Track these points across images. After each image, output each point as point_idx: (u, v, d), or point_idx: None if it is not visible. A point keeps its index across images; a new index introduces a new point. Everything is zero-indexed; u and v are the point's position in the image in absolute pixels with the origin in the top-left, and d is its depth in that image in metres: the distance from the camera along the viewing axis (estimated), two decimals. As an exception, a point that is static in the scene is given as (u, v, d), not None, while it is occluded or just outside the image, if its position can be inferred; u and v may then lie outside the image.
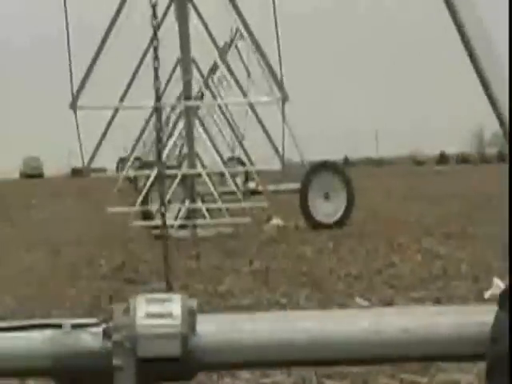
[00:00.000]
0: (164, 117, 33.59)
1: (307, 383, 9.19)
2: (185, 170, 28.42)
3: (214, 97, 31.95)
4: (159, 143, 7.46)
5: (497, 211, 32.21)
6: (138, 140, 35.55)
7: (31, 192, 78.89)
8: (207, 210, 28.54)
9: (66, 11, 22.94)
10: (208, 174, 29.55)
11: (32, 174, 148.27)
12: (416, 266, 18.25)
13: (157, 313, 4.15)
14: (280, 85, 24.01)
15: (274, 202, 31.00)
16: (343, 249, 21.09)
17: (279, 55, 25.96)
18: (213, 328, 4.32)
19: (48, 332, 4.32)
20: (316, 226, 28.13)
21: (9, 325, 4.39)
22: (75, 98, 12.33)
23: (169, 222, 26.49)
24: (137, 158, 33.50)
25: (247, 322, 4.64)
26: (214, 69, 31.32)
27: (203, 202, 28.83)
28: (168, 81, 31.25)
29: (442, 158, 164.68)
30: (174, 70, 31.64)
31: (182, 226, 28.08)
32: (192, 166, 28.05)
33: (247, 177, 32.89)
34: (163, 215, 6.22)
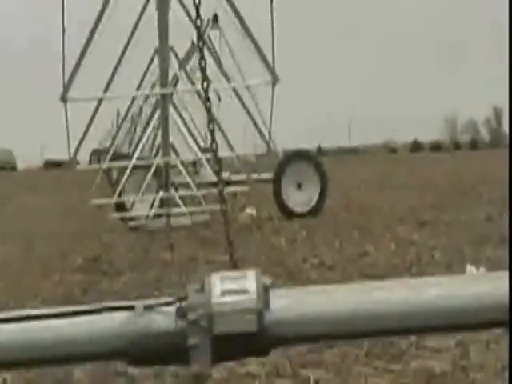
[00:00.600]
0: (137, 108, 34.01)
1: (281, 372, 9.02)
2: (158, 159, 28.37)
3: (192, 83, 31.04)
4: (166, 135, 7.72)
5: (470, 198, 32.31)
6: (115, 132, 35.55)
7: (4, 184, 78.27)
8: (182, 199, 28.60)
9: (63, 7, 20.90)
10: (182, 163, 29.89)
11: (4, 167, 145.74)
12: (390, 255, 18.36)
13: (232, 290, 4.15)
14: (270, 67, 22.97)
15: (247, 192, 31.26)
16: (317, 238, 21.07)
17: (272, 37, 25.07)
18: (286, 303, 4.23)
19: (121, 314, 4.28)
20: (289, 215, 27.99)
21: (81, 309, 4.25)
22: (65, 89, 11.97)
23: (143, 212, 28.18)
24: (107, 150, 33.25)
25: (320, 294, 4.44)
26: (189, 54, 30.81)
27: (176, 191, 28.66)
28: (146, 71, 30.82)
29: (416, 146, 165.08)
30: (151, 60, 30.99)
31: (156, 216, 27.93)
32: (166, 155, 27.53)
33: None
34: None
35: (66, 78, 21.90)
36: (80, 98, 13.36)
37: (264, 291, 4.13)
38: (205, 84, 6.63)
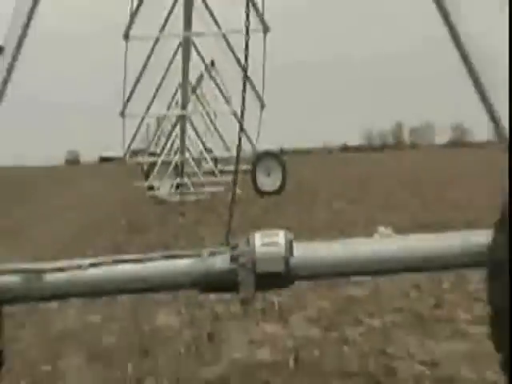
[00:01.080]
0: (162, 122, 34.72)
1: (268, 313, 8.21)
2: (177, 157, 29.47)
3: (202, 104, 32.05)
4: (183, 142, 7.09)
5: (377, 188, 32.61)
6: (148, 139, 36.47)
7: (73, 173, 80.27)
8: (191, 183, 29.47)
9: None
10: (193, 159, 30.69)
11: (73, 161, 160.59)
12: (329, 218, 18.30)
13: (268, 242, 4.58)
14: (261, 17, 18.12)
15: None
16: (280, 208, 21.30)
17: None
18: (303, 252, 4.59)
19: (191, 260, 4.64)
20: (261, 194, 29.71)
21: (164, 254, 4.71)
22: (124, 107, 10.94)
23: (165, 191, 28.48)
24: (142, 150, 34.36)
25: (325, 247, 4.85)
26: (199, 81, 31.02)
27: (188, 177, 29.72)
28: (174, 95, 29.95)
29: (345, 148, 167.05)
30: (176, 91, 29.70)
31: (174, 194, 28.77)
32: (182, 154, 29.10)
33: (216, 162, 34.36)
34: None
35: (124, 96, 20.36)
36: (136, 114, 12.08)
37: (289, 244, 4.52)
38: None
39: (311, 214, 19.99)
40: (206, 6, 19.35)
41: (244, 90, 5.50)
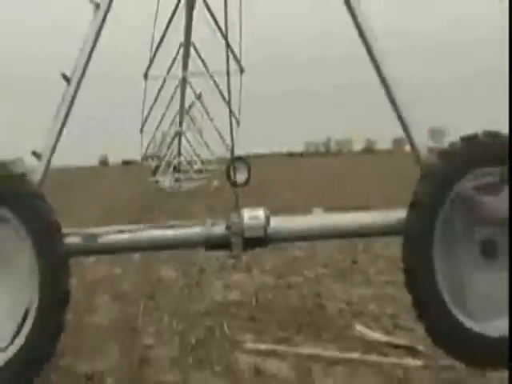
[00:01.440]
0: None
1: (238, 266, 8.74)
2: (176, 160, 31.56)
3: (194, 123, 32.56)
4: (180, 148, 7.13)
5: (314, 183, 32.72)
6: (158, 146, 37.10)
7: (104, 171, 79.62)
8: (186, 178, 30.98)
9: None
10: (187, 161, 32.56)
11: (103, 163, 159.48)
12: (282, 204, 18.01)
13: (252, 216, 4.60)
14: (238, 60, 17.03)
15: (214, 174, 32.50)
16: (248, 195, 21.66)
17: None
18: (278, 222, 4.69)
19: (199, 227, 4.70)
20: (233, 185, 28.07)
21: (181, 223, 4.77)
22: (142, 125, 8.89)
23: (167, 183, 29.43)
24: (152, 155, 35.50)
25: (295, 219, 5.02)
26: (191, 105, 31.31)
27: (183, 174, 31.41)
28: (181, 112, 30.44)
29: (291, 154, 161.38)
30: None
31: (173, 186, 29.89)
32: (180, 157, 31.29)
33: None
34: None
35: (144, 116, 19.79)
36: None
37: (267, 218, 4.62)
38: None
39: (269, 200, 19.90)
40: (200, 57, 19.89)
41: (230, 117, 6.18)
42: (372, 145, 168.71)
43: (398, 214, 4.43)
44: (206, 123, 29.92)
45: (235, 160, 31.13)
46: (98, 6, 4.58)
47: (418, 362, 5.06)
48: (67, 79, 4.43)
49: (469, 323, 4.16)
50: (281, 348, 5.54)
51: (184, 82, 21.65)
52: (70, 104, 4.47)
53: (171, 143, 31.02)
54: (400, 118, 4.66)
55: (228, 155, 28.86)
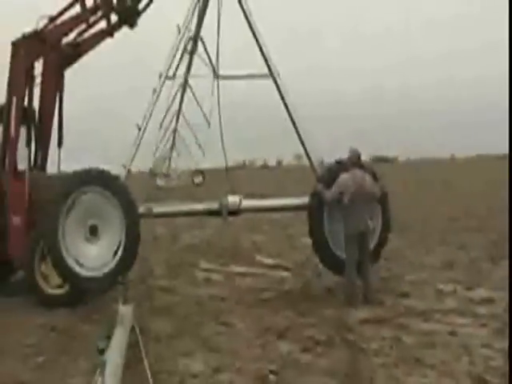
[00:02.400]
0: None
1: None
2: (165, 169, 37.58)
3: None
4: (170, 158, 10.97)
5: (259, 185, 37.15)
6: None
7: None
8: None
9: None
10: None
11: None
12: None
13: (232, 199, 8.24)
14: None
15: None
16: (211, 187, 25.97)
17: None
18: (245, 203, 8.18)
19: (206, 204, 8.21)
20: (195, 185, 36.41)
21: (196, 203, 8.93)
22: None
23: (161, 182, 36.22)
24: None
25: (256, 200, 8.83)
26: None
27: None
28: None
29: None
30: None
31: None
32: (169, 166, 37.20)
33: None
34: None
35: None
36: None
37: (240, 200, 8.26)
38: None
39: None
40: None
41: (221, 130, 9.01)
42: (300, 159, 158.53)
43: (306, 199, 8.56)
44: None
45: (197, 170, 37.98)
46: None
47: (288, 273, 9.98)
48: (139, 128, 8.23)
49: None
50: (218, 268, 10.64)
51: (184, 89, 22.66)
52: (144, 127, 8.13)
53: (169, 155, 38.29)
54: (300, 139, 8.43)
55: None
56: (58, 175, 9.06)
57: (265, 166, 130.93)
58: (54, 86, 8.96)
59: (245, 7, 8.47)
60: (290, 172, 67.00)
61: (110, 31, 8.77)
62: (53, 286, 8.04)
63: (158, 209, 8.68)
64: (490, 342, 5.96)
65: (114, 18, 8.74)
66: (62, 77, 9.06)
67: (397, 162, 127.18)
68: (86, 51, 8.91)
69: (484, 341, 6.02)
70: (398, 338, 6.18)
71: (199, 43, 9.02)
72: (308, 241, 14.12)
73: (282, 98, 8.76)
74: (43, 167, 9.08)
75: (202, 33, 10.37)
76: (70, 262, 7.54)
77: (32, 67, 8.62)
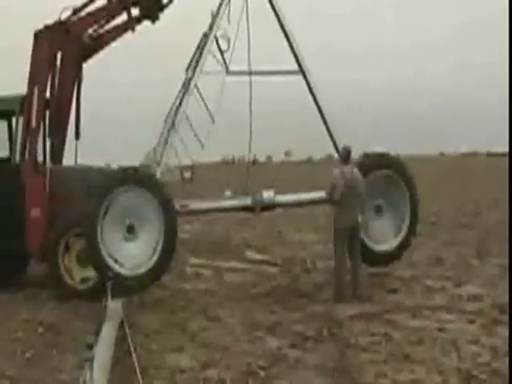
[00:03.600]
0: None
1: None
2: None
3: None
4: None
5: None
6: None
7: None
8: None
9: None
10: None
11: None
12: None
13: (267, 194, 8.33)
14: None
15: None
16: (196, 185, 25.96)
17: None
18: (278, 197, 8.38)
19: (240, 199, 8.36)
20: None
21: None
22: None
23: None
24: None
25: (283, 197, 8.66)
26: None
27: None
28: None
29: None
30: None
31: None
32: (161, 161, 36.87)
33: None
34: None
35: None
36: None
37: (274, 194, 8.31)
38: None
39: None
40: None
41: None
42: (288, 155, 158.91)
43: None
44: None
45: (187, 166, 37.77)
46: None
47: (277, 269, 10.03)
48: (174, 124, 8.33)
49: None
50: (208, 262, 10.66)
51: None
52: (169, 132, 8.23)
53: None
54: (331, 137, 8.60)
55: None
56: (76, 168, 9.02)
57: (255, 162, 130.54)
58: (72, 77, 8.84)
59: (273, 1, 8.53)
60: (282, 168, 67.87)
61: (131, 25, 8.69)
62: (75, 280, 8.04)
63: (192, 206, 8.69)
64: (478, 339, 6.02)
65: (135, 11, 8.63)
66: (80, 69, 8.96)
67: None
68: (106, 44, 8.87)
69: (472, 337, 6.08)
70: (387, 333, 6.22)
71: (211, 39, 8.96)
72: (296, 236, 14.16)
73: (313, 95, 8.77)
74: (59, 160, 8.96)
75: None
76: (109, 261, 7.57)
77: (54, 58, 8.52)
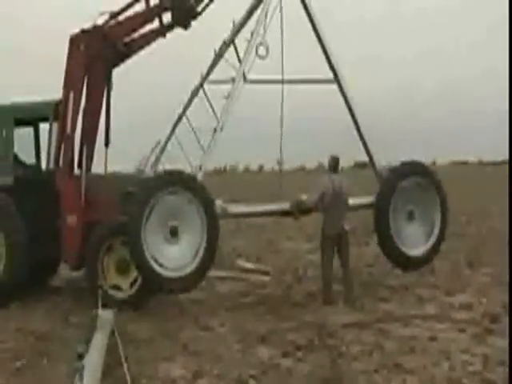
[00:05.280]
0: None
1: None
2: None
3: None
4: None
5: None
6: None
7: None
8: None
9: None
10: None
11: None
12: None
13: (300, 198, 8.33)
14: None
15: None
16: None
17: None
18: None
19: (278, 205, 8.34)
20: None
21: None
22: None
23: None
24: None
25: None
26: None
27: None
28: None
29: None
30: None
31: None
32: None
33: None
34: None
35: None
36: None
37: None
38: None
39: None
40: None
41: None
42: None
43: (371, 198, 9.00)
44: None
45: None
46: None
47: (268, 278, 9.99)
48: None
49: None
50: None
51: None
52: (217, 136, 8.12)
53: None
54: (365, 146, 8.78)
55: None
56: (111, 175, 9.09)
57: (246, 171, 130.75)
58: (104, 83, 8.74)
59: (309, 7, 8.49)
60: (274, 177, 67.34)
61: (163, 31, 8.63)
62: (110, 286, 8.04)
63: (232, 209, 8.79)
64: (469, 348, 6.04)
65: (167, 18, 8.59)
66: (111, 74, 8.84)
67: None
68: (137, 50, 8.79)
69: (463, 346, 6.10)
70: (378, 343, 6.24)
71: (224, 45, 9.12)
72: (288, 245, 14.14)
73: (348, 104, 8.88)
74: (89, 167, 8.80)
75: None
76: (153, 264, 7.64)
77: (91, 63, 8.36)
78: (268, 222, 15.67)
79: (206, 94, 9.56)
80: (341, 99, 8.45)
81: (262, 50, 8.48)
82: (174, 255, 7.86)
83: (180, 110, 9.92)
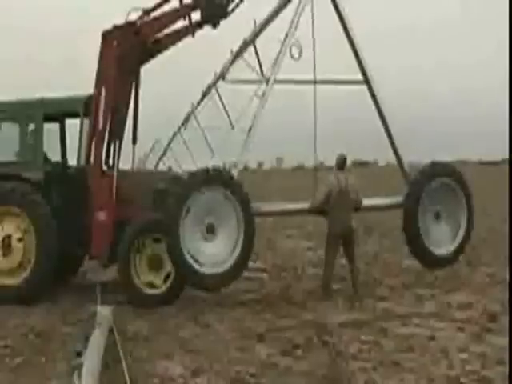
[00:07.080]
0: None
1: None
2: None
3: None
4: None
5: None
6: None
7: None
8: None
9: None
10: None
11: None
12: None
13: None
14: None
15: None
16: None
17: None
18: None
19: (298, 204, 8.52)
20: None
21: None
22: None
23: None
24: None
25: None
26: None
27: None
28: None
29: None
30: None
31: None
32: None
33: None
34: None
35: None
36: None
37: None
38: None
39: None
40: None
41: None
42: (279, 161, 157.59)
43: (400, 198, 9.17)
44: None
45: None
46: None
47: (267, 276, 10.02)
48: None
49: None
50: None
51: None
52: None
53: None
54: (394, 147, 8.99)
55: None
56: (142, 172, 9.26)
57: (245, 169, 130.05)
58: (132, 80, 8.72)
59: (340, 9, 8.59)
60: (273, 175, 67.30)
61: (192, 29, 8.56)
62: (144, 283, 8.03)
63: (264, 208, 8.93)
64: (467, 346, 6.04)
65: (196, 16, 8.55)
66: (139, 72, 8.81)
67: (376, 165, 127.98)
68: (165, 48, 8.71)
69: (462, 345, 6.10)
70: (377, 341, 6.24)
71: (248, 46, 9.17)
72: (287, 243, 14.16)
73: (377, 105, 9.00)
74: (116, 164, 8.67)
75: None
76: (190, 261, 7.74)
77: (123, 59, 8.29)
78: (267, 220, 15.53)
79: (218, 94, 9.63)
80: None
81: (294, 51, 8.59)
82: (210, 252, 7.95)
83: (189, 109, 9.96)
